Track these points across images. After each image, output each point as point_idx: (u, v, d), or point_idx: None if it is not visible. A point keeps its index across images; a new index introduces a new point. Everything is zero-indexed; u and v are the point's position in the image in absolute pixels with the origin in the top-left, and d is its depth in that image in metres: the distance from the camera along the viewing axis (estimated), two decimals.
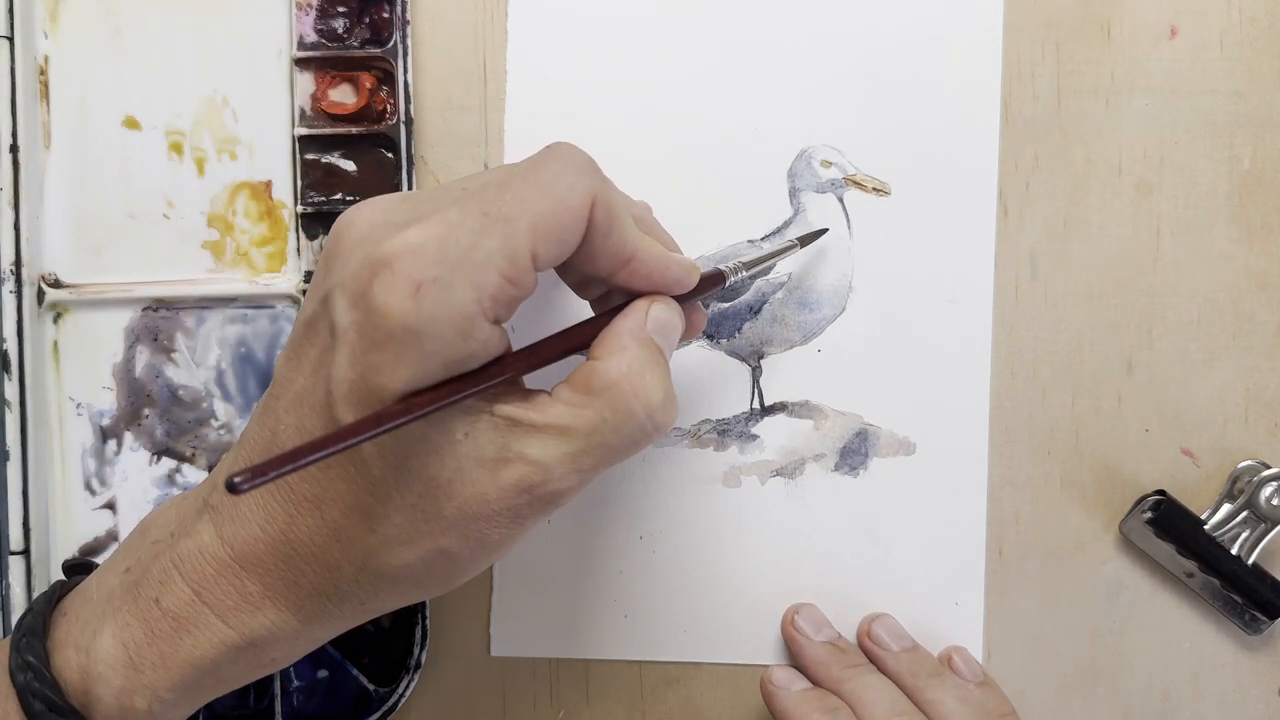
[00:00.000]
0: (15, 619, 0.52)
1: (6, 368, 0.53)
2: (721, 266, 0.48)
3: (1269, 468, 0.54)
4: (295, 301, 0.55)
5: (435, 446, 0.39)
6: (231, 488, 0.33)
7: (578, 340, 0.42)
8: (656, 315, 0.42)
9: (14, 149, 0.54)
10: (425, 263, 0.37)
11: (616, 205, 0.41)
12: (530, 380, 0.42)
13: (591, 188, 0.40)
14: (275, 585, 0.41)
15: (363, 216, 0.40)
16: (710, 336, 0.55)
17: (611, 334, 0.41)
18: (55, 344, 0.55)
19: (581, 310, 0.47)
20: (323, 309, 0.39)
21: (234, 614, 0.41)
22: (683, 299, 0.44)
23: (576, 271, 0.44)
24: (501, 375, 0.39)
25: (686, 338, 0.47)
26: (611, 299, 0.46)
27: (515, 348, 0.41)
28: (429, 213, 0.38)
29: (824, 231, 0.54)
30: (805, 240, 0.53)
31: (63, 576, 0.48)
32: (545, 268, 0.40)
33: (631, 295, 0.43)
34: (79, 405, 0.55)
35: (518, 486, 0.39)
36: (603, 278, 0.43)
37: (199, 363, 0.55)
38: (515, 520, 0.40)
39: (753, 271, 0.49)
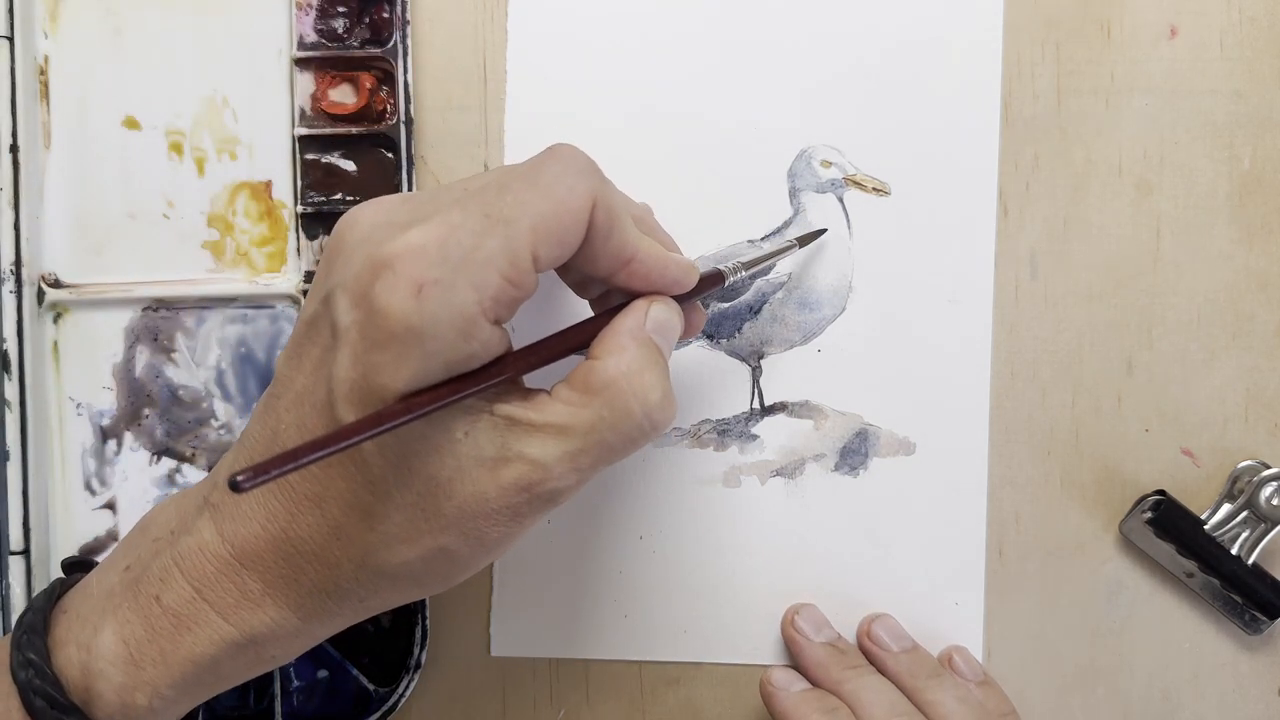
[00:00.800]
0: (16, 618, 0.52)
1: (6, 368, 0.53)
2: (720, 266, 0.48)
3: (1269, 468, 0.54)
4: (295, 301, 0.55)
5: (435, 445, 0.39)
6: (234, 486, 0.33)
7: (577, 340, 0.42)
8: (656, 315, 0.42)
9: (14, 149, 0.54)
10: (427, 263, 0.37)
11: (617, 207, 0.41)
12: (530, 380, 0.42)
13: (592, 189, 0.40)
14: (275, 583, 0.41)
15: (365, 217, 0.40)
16: (710, 336, 0.55)
17: (611, 333, 0.41)
18: (55, 344, 0.55)
19: (581, 310, 0.48)
20: (324, 309, 0.39)
21: (234, 611, 0.41)
22: (682, 299, 0.44)
23: (576, 272, 0.44)
24: (502, 375, 0.39)
25: (685, 337, 0.47)
26: (611, 299, 0.46)
27: (515, 347, 0.41)
28: (430, 214, 0.38)
29: (823, 232, 0.54)
30: (804, 240, 0.53)
31: (62, 575, 0.48)
32: (546, 269, 0.40)
33: (631, 295, 0.43)
34: (79, 405, 0.55)
35: (517, 485, 0.39)
36: (603, 278, 0.43)
37: (199, 363, 0.55)
38: (514, 519, 0.40)
39: (752, 271, 0.50)
